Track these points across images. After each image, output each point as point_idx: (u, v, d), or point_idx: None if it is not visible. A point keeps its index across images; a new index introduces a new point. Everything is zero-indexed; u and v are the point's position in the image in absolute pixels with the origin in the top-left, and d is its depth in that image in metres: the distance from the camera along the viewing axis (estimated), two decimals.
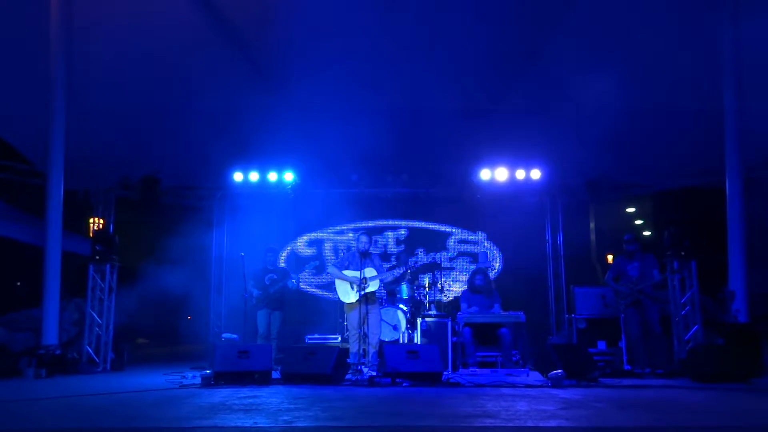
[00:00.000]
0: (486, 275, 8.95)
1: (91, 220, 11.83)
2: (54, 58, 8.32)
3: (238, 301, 8.84)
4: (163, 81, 9.02)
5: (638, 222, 17.50)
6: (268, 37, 8.74)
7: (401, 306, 9.06)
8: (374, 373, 6.83)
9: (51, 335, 8.31)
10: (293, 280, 8.99)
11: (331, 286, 10.28)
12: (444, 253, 11.56)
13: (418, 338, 8.48)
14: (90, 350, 8.76)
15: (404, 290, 9.36)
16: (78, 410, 4.99)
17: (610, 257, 14.87)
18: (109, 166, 10.64)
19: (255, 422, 4.09)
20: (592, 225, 12.31)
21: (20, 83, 8.93)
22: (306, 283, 11.56)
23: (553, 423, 4.07)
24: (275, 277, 9.17)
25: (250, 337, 8.90)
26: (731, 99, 8.26)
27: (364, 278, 7.56)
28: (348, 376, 7.04)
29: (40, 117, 8.47)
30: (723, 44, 8.25)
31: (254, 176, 10.72)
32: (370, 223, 11.62)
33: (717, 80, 8.35)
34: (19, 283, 16.95)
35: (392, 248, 11.63)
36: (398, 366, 6.56)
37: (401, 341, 8.79)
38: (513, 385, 6.50)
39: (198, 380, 6.80)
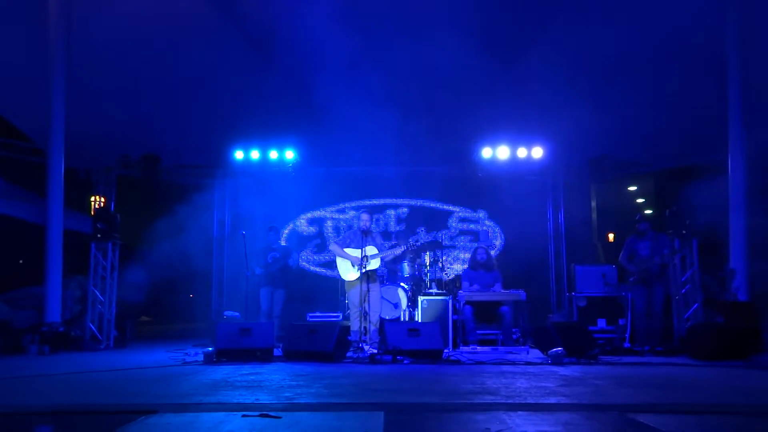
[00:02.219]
0: (488, 252, 8.98)
1: (93, 199, 11.83)
2: (53, 36, 8.27)
3: (240, 279, 8.86)
4: (163, 59, 8.95)
5: (640, 201, 17.46)
6: (267, 14, 8.66)
7: (402, 284, 9.08)
8: (375, 351, 6.86)
9: (54, 312, 8.37)
10: (294, 258, 9.01)
11: (332, 264, 10.32)
12: (445, 232, 11.57)
13: (419, 316, 8.52)
14: (93, 327, 8.81)
15: (405, 268, 9.39)
16: (82, 387, 5.04)
17: (611, 236, 14.90)
18: (110, 144, 10.62)
19: (257, 399, 4.12)
20: (593, 203, 12.28)
21: (20, 61, 8.87)
22: (307, 261, 11.59)
23: (552, 400, 4.10)
24: (277, 255, 9.19)
25: (251, 314, 8.95)
26: (735, 76, 8.19)
27: (365, 256, 7.57)
28: (349, 354, 7.08)
29: (40, 94, 8.44)
30: (727, 22, 8.18)
31: (255, 154, 10.68)
32: (372, 202, 11.61)
33: (721, 57, 8.28)
34: (21, 261, 17.00)
35: (393, 227, 11.63)
36: (399, 344, 6.60)
37: (402, 319, 8.83)
38: (513, 363, 6.54)
39: (200, 357, 6.86)
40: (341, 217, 11.76)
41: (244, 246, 8.42)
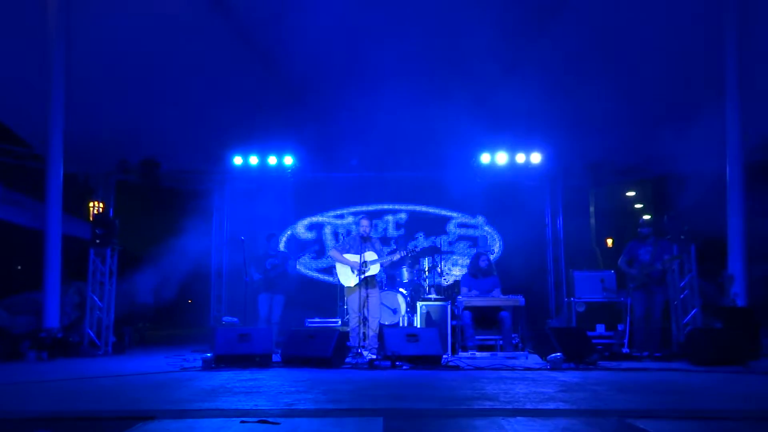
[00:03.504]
0: (489, 258, 8.98)
1: (91, 204, 11.84)
2: (52, 41, 8.28)
3: (239, 285, 8.86)
4: (162, 64, 8.97)
5: (638, 206, 17.48)
6: (266, 19, 8.68)
7: (401, 290, 9.09)
8: (374, 357, 6.87)
9: (52, 318, 8.35)
10: (293, 266, 9.03)
11: (331, 270, 10.34)
12: (444, 237, 11.57)
13: (417, 322, 8.51)
14: (91, 333, 8.79)
15: (404, 274, 9.38)
16: (79, 393, 5.03)
17: (609, 241, 14.91)
18: (109, 149, 10.62)
19: (256, 405, 4.11)
20: (591, 209, 12.30)
21: (19, 66, 8.89)
22: (306, 266, 11.59)
23: (551, 405, 4.10)
24: (276, 262, 9.19)
25: (250, 320, 8.94)
26: (733, 82, 8.21)
27: (364, 262, 7.56)
28: (348, 360, 7.08)
29: (39, 99, 8.45)
30: (725, 28, 8.21)
31: (254, 160, 10.69)
32: (370, 207, 11.62)
33: (719, 62, 8.31)
34: (19, 267, 16.99)
35: (392, 232, 11.64)
36: (398, 349, 6.60)
37: (401, 325, 8.83)
38: (512, 368, 6.54)
39: (199, 363, 6.84)
40: (340, 222, 11.76)
41: (243, 252, 8.42)
